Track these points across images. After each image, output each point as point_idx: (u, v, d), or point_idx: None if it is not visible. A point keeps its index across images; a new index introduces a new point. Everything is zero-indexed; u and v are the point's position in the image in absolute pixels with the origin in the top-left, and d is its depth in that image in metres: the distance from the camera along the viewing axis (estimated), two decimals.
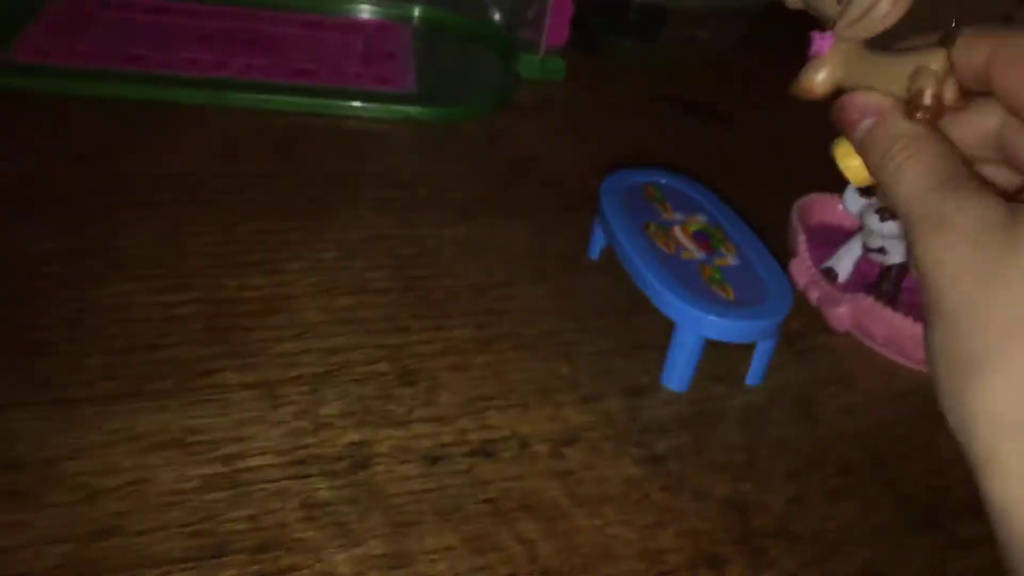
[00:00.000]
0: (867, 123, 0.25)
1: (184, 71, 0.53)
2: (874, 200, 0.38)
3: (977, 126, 0.25)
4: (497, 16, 0.66)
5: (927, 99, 0.24)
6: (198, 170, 0.46)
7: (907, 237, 0.23)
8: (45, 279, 0.37)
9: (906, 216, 0.23)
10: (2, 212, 0.40)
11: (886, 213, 0.37)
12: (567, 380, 0.36)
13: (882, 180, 0.25)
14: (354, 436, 0.32)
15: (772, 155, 0.57)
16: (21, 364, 0.33)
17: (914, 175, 0.23)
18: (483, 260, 0.43)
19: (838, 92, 0.27)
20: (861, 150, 0.26)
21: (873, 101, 0.25)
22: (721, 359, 0.38)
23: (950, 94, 0.24)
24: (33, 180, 0.43)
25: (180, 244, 0.40)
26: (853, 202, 0.39)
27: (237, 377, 0.34)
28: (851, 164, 0.29)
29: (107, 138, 0.47)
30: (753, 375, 0.37)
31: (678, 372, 0.36)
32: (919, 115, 0.24)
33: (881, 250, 0.40)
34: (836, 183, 0.39)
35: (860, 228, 0.42)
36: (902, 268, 0.41)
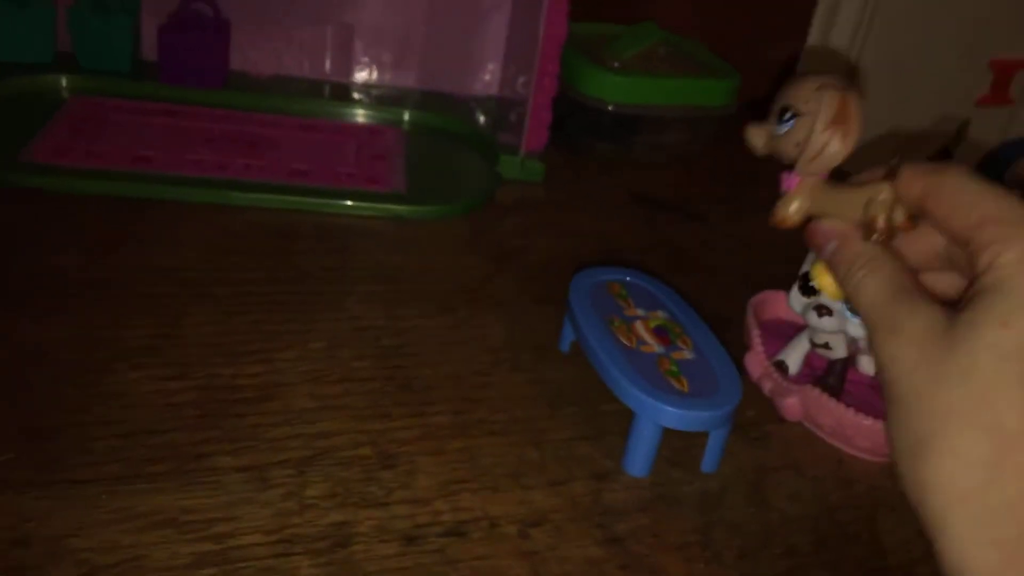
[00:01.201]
0: (832, 245, 0.31)
1: (189, 171, 0.57)
2: (813, 299, 0.41)
3: (927, 242, 0.31)
4: (481, 120, 0.72)
5: (879, 225, 0.29)
6: (199, 264, 0.49)
7: (869, 339, 0.28)
8: (55, 366, 0.40)
9: (867, 322, 0.28)
10: (16, 303, 0.44)
11: (823, 310, 0.41)
12: (536, 465, 0.39)
13: (847, 293, 0.30)
14: (337, 516, 0.35)
15: (735, 252, 0.62)
16: (32, 446, 0.35)
17: (872, 288, 0.28)
18: (462, 350, 0.46)
19: (808, 219, 0.32)
20: (829, 268, 0.31)
21: (835, 227, 0.31)
22: (679, 446, 0.41)
23: (899, 218, 0.30)
24: (45, 273, 0.46)
25: (181, 334, 0.43)
26: (796, 301, 0.42)
27: (230, 460, 0.37)
28: (825, 283, 0.35)
29: (116, 233, 0.51)
30: (708, 462, 0.40)
31: (638, 458, 0.39)
32: (874, 238, 0.29)
33: (826, 345, 0.44)
34: (792, 281, 0.43)
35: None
36: (846, 362, 0.44)
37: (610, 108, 0.68)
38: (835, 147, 0.30)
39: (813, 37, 0.89)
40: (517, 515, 0.36)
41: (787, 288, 0.48)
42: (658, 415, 0.38)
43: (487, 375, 0.44)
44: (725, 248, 0.62)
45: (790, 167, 0.32)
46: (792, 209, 0.32)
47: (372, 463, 0.38)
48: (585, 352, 0.42)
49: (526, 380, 0.45)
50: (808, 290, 0.41)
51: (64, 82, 0.66)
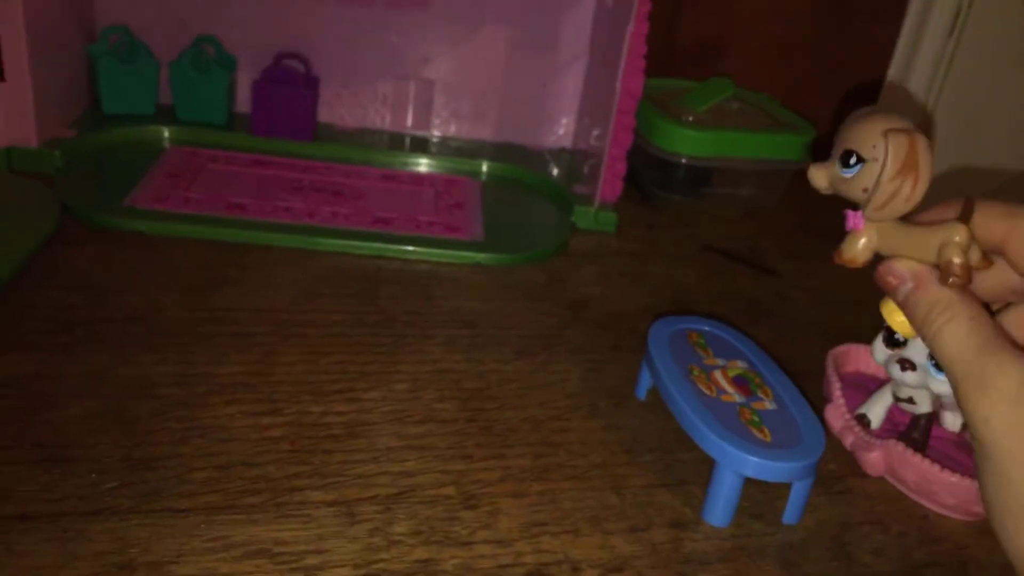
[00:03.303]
0: (906, 288, 0.30)
1: (279, 218, 0.60)
2: (897, 351, 0.41)
3: (1004, 279, 0.30)
4: (556, 172, 0.73)
5: (956, 269, 0.28)
6: (289, 306, 0.51)
7: (955, 392, 0.27)
8: (158, 400, 0.42)
9: (951, 374, 0.27)
10: (122, 340, 0.46)
11: (907, 364, 0.41)
12: (616, 510, 0.40)
13: (926, 340, 0.29)
14: (422, 554, 0.36)
15: (811, 305, 0.61)
16: (136, 476, 0.37)
17: (954, 338, 0.28)
18: (541, 395, 0.47)
19: (877, 258, 0.31)
20: (904, 311, 0.30)
21: (909, 268, 0.30)
22: (760, 498, 0.41)
23: (975, 258, 0.29)
24: (148, 312, 0.49)
25: (272, 372, 0.45)
26: (880, 352, 0.42)
27: (320, 495, 0.38)
28: (897, 320, 0.34)
29: (211, 275, 0.53)
30: (790, 514, 0.40)
31: (719, 508, 0.39)
32: (951, 281, 0.28)
33: (910, 400, 0.43)
34: (870, 334, 0.43)
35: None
36: (930, 418, 0.43)
37: (684, 161, 0.69)
38: (905, 195, 0.29)
39: (886, 90, 0.89)
40: (598, 560, 0.37)
41: (865, 342, 0.47)
42: (740, 464, 0.38)
43: (565, 420, 0.45)
44: (800, 300, 0.62)
45: (857, 205, 0.31)
46: (859, 248, 0.31)
47: (455, 503, 0.39)
48: (664, 399, 0.42)
49: (604, 426, 0.45)
50: (893, 342, 0.41)
51: (165, 133, 0.70)
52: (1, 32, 0.59)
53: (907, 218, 0.30)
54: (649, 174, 0.72)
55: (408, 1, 0.72)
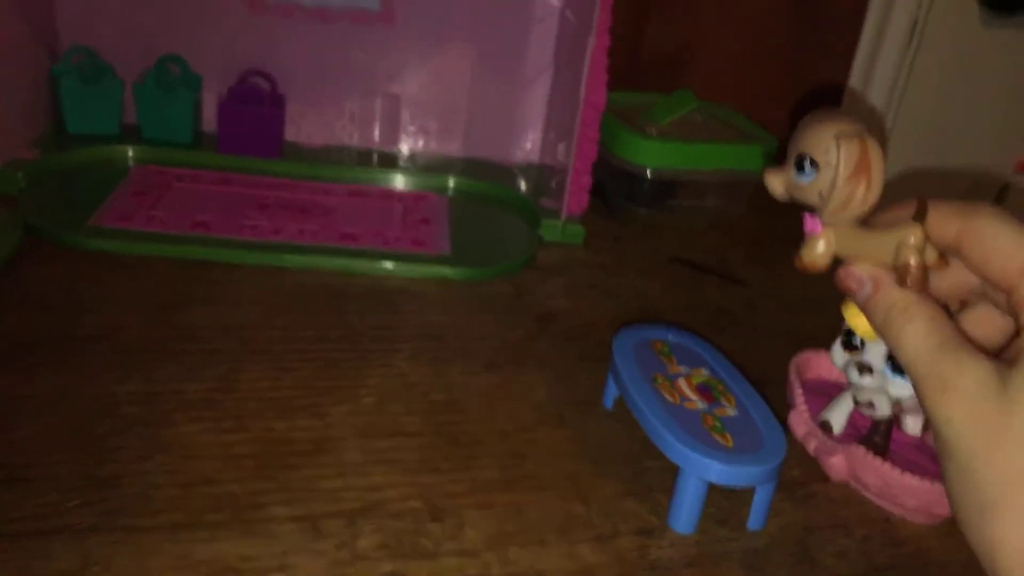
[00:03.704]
0: (866, 290, 0.30)
1: (245, 235, 0.60)
2: (855, 355, 0.42)
3: (961, 278, 0.30)
4: (523, 186, 0.74)
5: (913, 270, 0.28)
6: (255, 323, 0.51)
7: (917, 393, 0.28)
8: (121, 418, 0.42)
9: (912, 374, 0.28)
10: (85, 359, 0.46)
11: (864, 368, 0.41)
12: (582, 520, 0.40)
13: (887, 342, 0.29)
14: (388, 567, 0.36)
15: (776, 313, 0.62)
16: (97, 494, 0.37)
17: (913, 339, 0.28)
18: (508, 406, 0.47)
19: (837, 262, 0.31)
20: (865, 313, 0.30)
21: (868, 272, 0.30)
22: (725, 504, 0.41)
23: (931, 259, 0.29)
24: (113, 331, 0.48)
25: (238, 389, 0.45)
26: (839, 356, 0.43)
27: (285, 511, 0.38)
28: (859, 322, 0.34)
29: (177, 293, 0.53)
30: (754, 519, 0.41)
31: (684, 514, 0.40)
32: (908, 283, 0.29)
33: (870, 404, 0.44)
34: (832, 340, 0.44)
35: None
36: (891, 422, 0.44)
37: (648, 173, 0.70)
38: (859, 198, 0.29)
39: (847, 98, 0.90)
40: (565, 570, 0.37)
41: (828, 348, 0.48)
42: (703, 470, 0.38)
43: (532, 431, 0.45)
44: (766, 309, 0.63)
45: (811, 211, 0.31)
46: (818, 252, 0.31)
47: (422, 515, 0.39)
48: (629, 408, 0.43)
49: (571, 436, 0.45)
50: (850, 346, 0.42)
51: (130, 152, 0.69)
52: None
53: (864, 221, 0.31)
54: (615, 187, 0.73)
55: (373, 18, 0.72)
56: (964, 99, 0.91)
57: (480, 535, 0.38)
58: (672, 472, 0.40)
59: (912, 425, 0.46)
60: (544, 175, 0.75)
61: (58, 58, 0.70)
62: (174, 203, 0.63)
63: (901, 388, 0.42)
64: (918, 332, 0.28)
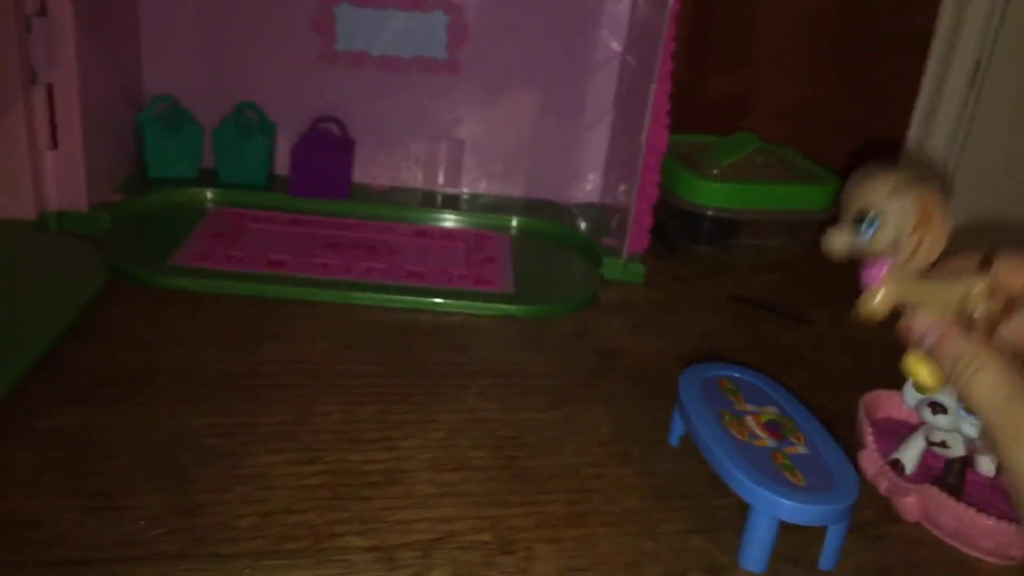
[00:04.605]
0: (930, 340, 0.30)
1: (316, 274, 0.62)
2: (927, 396, 0.41)
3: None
4: (584, 226, 0.75)
5: (980, 320, 0.29)
6: (326, 358, 0.53)
7: (991, 442, 0.28)
8: (202, 450, 0.43)
9: (987, 423, 0.28)
10: (167, 393, 0.48)
11: (938, 407, 0.41)
12: (651, 556, 0.40)
13: (957, 391, 0.29)
14: None
15: (841, 353, 0.62)
16: (182, 523, 0.38)
17: (983, 389, 0.28)
18: (574, 442, 0.47)
19: (896, 312, 0.31)
20: (931, 363, 0.31)
21: (932, 322, 0.30)
22: (796, 543, 0.41)
23: (997, 309, 0.29)
24: (192, 366, 0.50)
25: (312, 422, 0.46)
26: (911, 397, 0.42)
27: (359, 541, 0.39)
28: (921, 375, 0.33)
29: (252, 329, 0.55)
30: (826, 559, 0.40)
31: (754, 553, 0.39)
32: (974, 332, 0.29)
33: (943, 444, 0.43)
34: (901, 380, 0.43)
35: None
36: (964, 461, 0.43)
37: (709, 213, 0.71)
38: (926, 247, 0.29)
39: (906, 150, 0.90)
40: None
41: (896, 388, 0.48)
42: (775, 508, 0.38)
43: (599, 467, 0.46)
44: (830, 348, 0.62)
45: (869, 261, 0.31)
46: (877, 303, 0.31)
47: (492, 548, 0.39)
48: (697, 445, 0.43)
49: (637, 472, 0.46)
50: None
51: (208, 195, 0.73)
52: (56, 103, 0.62)
53: (926, 270, 0.31)
54: (676, 226, 0.73)
55: (440, 66, 0.75)
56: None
57: (550, 569, 0.38)
58: (740, 510, 0.40)
59: (986, 465, 0.45)
60: (605, 215, 0.76)
61: (143, 107, 0.74)
62: (249, 243, 0.65)
63: (974, 428, 0.41)
64: (987, 382, 0.28)
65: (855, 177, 0.31)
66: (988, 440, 0.28)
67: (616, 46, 0.75)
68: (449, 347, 0.56)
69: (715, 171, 0.74)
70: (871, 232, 0.30)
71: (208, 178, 0.74)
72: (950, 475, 0.44)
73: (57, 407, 0.45)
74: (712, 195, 0.71)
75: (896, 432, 0.48)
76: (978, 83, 0.86)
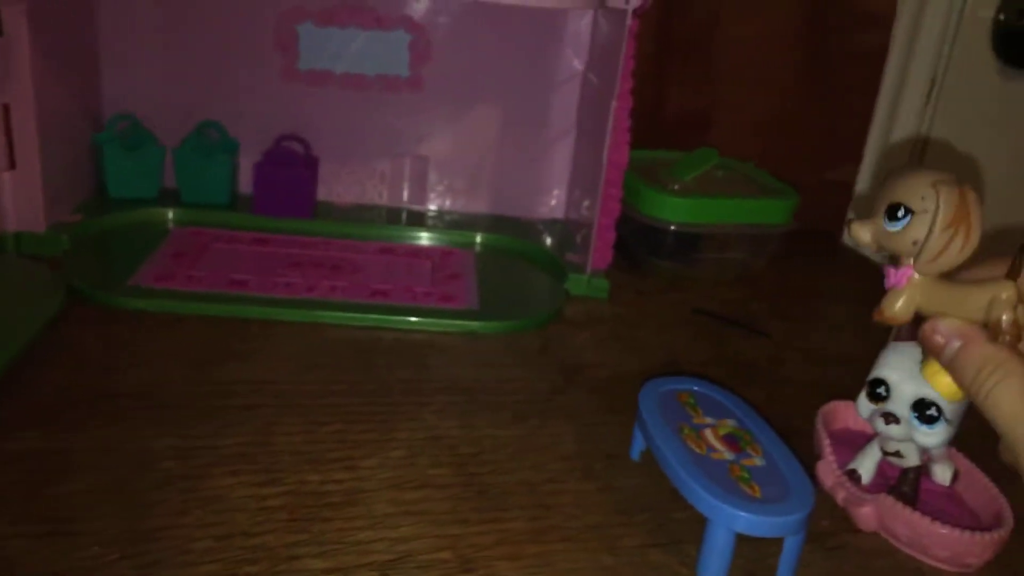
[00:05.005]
0: (953, 347, 0.29)
1: (279, 293, 0.61)
2: (881, 406, 0.42)
3: None
4: (548, 242, 0.75)
5: (1006, 326, 0.28)
6: (289, 377, 0.53)
7: (1014, 451, 0.27)
8: (160, 473, 0.43)
9: (1009, 434, 0.27)
10: (126, 415, 0.47)
11: (890, 418, 0.41)
12: (611, 571, 0.40)
13: (977, 400, 0.28)
14: None
15: (800, 365, 0.63)
16: (137, 548, 0.38)
17: (1008, 397, 0.27)
18: (535, 458, 0.47)
19: (918, 317, 0.31)
20: (950, 370, 0.30)
21: (956, 327, 0.29)
22: (754, 555, 0.41)
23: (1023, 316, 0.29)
24: (152, 388, 0.50)
25: (273, 442, 0.46)
26: (864, 407, 0.43)
27: (318, 563, 0.38)
28: (941, 381, 0.33)
29: (215, 350, 0.55)
30: (784, 570, 0.40)
31: (712, 566, 0.40)
32: (1001, 339, 0.28)
33: (898, 454, 0.44)
34: (859, 391, 0.44)
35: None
36: (919, 470, 0.44)
37: (672, 228, 0.71)
38: (957, 247, 0.28)
39: (868, 159, 0.91)
40: None
41: (854, 399, 0.48)
42: (732, 520, 0.38)
43: (560, 482, 0.46)
44: (790, 361, 0.63)
45: (895, 261, 0.30)
46: (900, 305, 0.30)
47: (452, 567, 0.39)
48: (656, 459, 0.43)
49: (598, 487, 0.46)
50: (875, 396, 0.42)
51: (170, 215, 0.72)
52: (13, 122, 0.62)
53: (951, 275, 0.30)
54: (638, 241, 0.74)
55: (402, 84, 0.75)
56: (985, 154, 0.91)
57: None
58: (700, 523, 0.40)
59: (941, 474, 0.46)
60: (569, 231, 0.76)
61: (102, 126, 0.73)
62: (211, 263, 0.65)
63: (928, 437, 0.42)
64: (1013, 390, 0.27)
65: (891, 171, 0.30)
66: (1010, 451, 0.27)
67: (578, 64, 0.76)
68: (412, 365, 0.56)
69: (676, 186, 0.74)
70: (901, 225, 0.29)
71: (170, 197, 0.74)
72: (905, 484, 0.44)
73: (13, 431, 0.45)
74: (674, 210, 0.71)
75: (854, 443, 0.49)
76: (933, 99, 0.88)
